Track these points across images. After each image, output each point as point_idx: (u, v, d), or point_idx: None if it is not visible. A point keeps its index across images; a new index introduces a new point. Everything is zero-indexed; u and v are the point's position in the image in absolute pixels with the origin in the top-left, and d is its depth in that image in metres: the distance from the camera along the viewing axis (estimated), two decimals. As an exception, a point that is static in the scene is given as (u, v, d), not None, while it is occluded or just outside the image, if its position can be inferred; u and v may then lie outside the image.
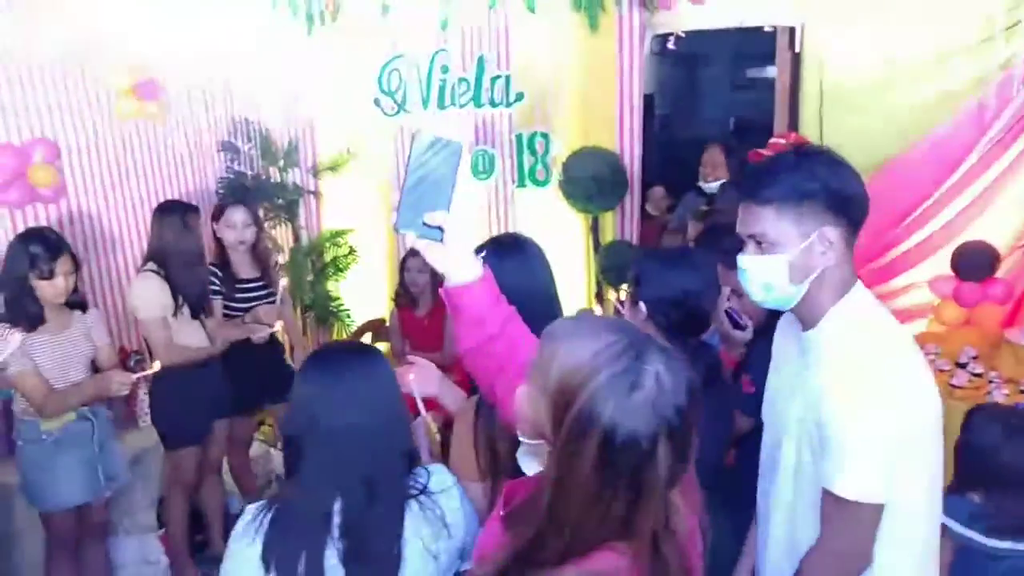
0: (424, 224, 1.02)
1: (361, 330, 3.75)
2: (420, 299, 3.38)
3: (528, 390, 0.85)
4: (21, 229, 2.92)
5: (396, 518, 1.21)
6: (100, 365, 2.51)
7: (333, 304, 3.89)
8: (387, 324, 3.63)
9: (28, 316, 2.28)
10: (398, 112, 3.79)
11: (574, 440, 0.77)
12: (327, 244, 3.87)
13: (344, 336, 3.85)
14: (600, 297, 3.74)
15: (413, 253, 3.39)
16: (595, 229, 3.70)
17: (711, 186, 3.43)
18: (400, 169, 3.81)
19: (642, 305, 1.62)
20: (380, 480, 1.21)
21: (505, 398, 1.08)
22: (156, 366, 2.38)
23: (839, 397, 1.17)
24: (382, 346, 3.62)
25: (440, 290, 1.09)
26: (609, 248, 3.62)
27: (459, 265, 1.06)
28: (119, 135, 3.29)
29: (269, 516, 1.20)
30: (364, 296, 4.04)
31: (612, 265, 3.51)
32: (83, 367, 2.45)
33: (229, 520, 3.12)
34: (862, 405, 1.16)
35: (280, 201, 3.77)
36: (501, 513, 0.98)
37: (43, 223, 2.96)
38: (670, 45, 3.56)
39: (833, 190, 1.19)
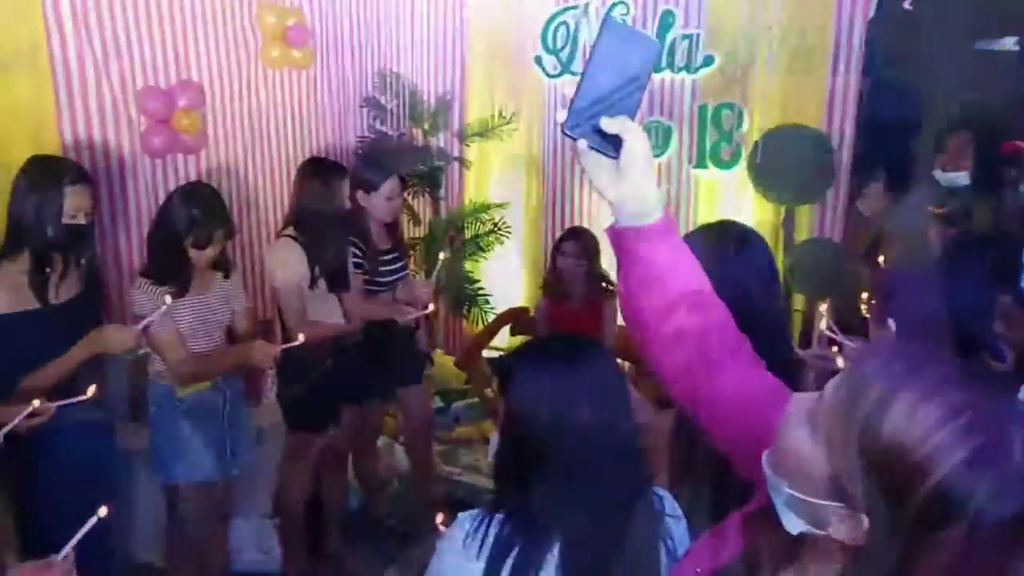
0: (597, 132, 0.84)
1: (500, 320, 3.59)
2: (574, 288, 3.12)
3: (818, 437, 0.75)
4: (162, 181, 2.93)
5: (654, 537, 1.17)
6: (236, 332, 2.48)
7: (471, 287, 3.75)
8: (531, 315, 3.44)
9: (178, 280, 2.26)
10: (561, 73, 3.61)
11: (928, 523, 0.70)
12: (469, 219, 3.71)
13: (481, 324, 3.67)
14: (788, 304, 3.38)
15: (569, 236, 3.17)
16: (788, 224, 3.39)
17: (950, 176, 2.98)
18: (559, 138, 3.57)
19: (891, 323, 1.56)
20: (634, 490, 1.17)
21: (709, 395, 0.94)
22: (301, 338, 2.30)
23: None
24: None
25: (606, 231, 0.93)
26: (805, 246, 3.31)
27: (636, 196, 0.87)
28: (264, 83, 3.27)
29: (493, 529, 1.16)
30: (501, 280, 3.88)
31: (807, 267, 3.21)
32: (219, 333, 2.43)
33: (348, 517, 3.03)
34: None
35: (422, 168, 3.65)
36: (699, 570, 0.89)
37: (183, 178, 2.95)
38: (906, 6, 3.11)
39: None
